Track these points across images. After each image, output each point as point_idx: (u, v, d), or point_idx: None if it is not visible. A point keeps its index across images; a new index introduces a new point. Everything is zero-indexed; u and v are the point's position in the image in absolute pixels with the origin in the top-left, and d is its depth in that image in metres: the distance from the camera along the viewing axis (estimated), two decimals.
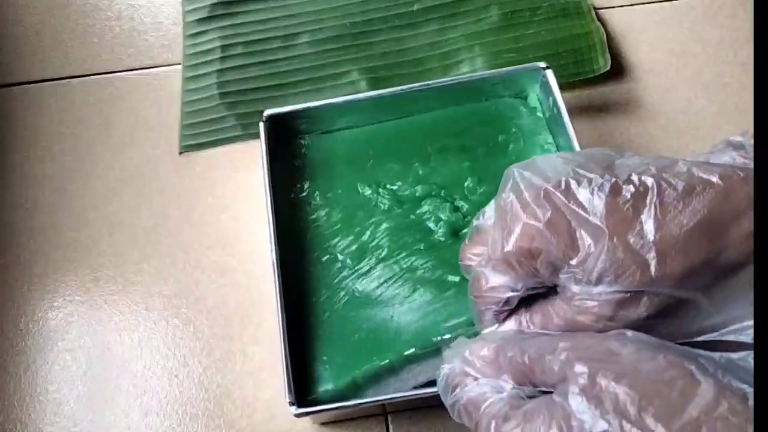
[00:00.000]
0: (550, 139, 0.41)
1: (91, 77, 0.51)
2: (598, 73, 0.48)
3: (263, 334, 0.41)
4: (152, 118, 0.49)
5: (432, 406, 0.38)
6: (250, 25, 0.52)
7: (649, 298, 0.27)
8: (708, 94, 0.49)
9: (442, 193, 0.39)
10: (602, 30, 0.49)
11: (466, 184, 0.39)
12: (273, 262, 0.36)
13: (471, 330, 0.33)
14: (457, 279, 0.35)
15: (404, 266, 0.37)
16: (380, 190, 0.39)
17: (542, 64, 0.40)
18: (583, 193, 0.27)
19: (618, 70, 0.49)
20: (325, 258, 0.38)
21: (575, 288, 0.27)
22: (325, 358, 0.35)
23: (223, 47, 0.51)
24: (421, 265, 0.36)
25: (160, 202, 0.46)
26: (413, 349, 0.34)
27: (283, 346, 0.34)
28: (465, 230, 0.37)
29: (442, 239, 0.37)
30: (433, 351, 0.34)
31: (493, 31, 0.50)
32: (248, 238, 0.44)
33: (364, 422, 0.39)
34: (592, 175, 0.27)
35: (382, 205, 0.39)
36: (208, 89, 0.50)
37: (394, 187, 0.40)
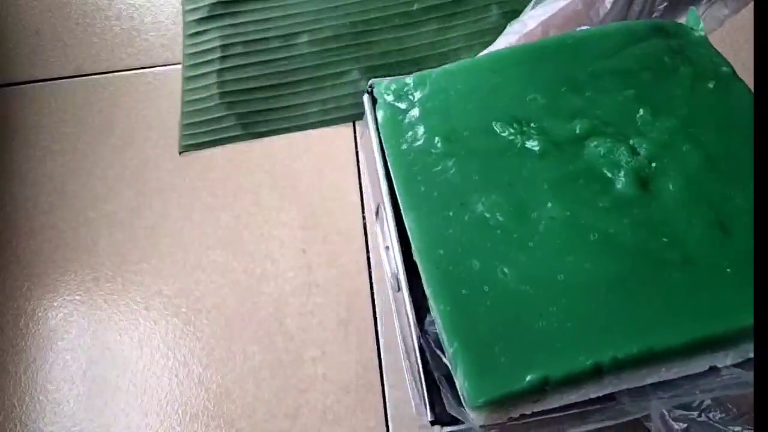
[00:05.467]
0: (720, 58, 0.33)
1: (91, 77, 0.51)
2: None
3: (263, 334, 0.41)
4: (152, 118, 0.49)
5: None
6: (249, 25, 0.52)
7: None
8: None
9: (610, 130, 0.30)
10: None
11: (638, 116, 0.30)
12: (387, 226, 0.28)
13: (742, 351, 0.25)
14: (676, 256, 0.26)
15: (590, 227, 0.27)
16: (524, 129, 0.30)
17: None
18: None
19: None
20: (466, 217, 0.28)
21: None
22: (497, 348, 0.25)
23: (223, 47, 0.51)
24: (617, 230, 0.27)
25: (160, 202, 0.46)
26: (644, 348, 0.24)
27: (415, 333, 0.26)
28: (654, 181, 0.28)
29: (629, 193, 0.28)
30: (665, 355, 0.24)
31: (493, 31, 0.50)
32: (248, 237, 0.44)
33: None
34: None
35: (532, 148, 0.30)
36: (208, 89, 0.50)
37: (545, 125, 0.31)
